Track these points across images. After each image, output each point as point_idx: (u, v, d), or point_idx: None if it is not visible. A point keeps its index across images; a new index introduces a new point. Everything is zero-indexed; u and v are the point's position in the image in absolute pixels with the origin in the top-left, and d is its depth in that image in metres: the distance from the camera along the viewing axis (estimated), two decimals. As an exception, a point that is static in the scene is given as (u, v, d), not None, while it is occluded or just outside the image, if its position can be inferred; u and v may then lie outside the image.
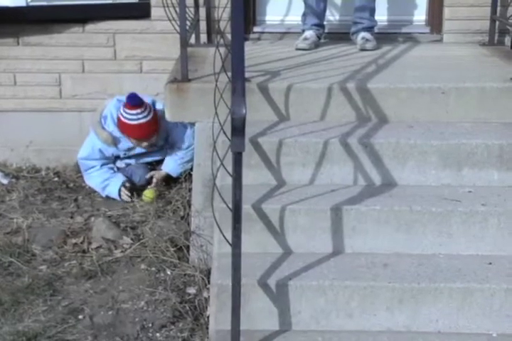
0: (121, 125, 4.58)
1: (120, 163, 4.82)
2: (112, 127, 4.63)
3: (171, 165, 4.72)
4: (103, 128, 4.64)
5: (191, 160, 4.41)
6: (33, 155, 5.14)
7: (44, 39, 4.99)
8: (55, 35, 4.97)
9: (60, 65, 5.00)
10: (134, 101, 4.50)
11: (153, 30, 4.95)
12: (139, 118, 4.51)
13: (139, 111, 4.51)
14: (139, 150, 4.73)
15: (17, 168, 5.11)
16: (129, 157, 4.82)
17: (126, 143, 4.67)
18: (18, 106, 5.11)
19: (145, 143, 4.63)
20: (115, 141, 4.65)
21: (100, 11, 4.93)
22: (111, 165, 4.76)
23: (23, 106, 5.11)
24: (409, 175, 3.55)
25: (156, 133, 4.62)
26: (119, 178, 4.66)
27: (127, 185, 4.65)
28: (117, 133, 4.64)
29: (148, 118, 4.54)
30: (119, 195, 4.62)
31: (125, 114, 4.52)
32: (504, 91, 3.79)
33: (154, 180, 4.72)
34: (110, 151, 4.70)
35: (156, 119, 4.58)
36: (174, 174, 4.70)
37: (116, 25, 4.97)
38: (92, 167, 4.69)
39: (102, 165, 4.71)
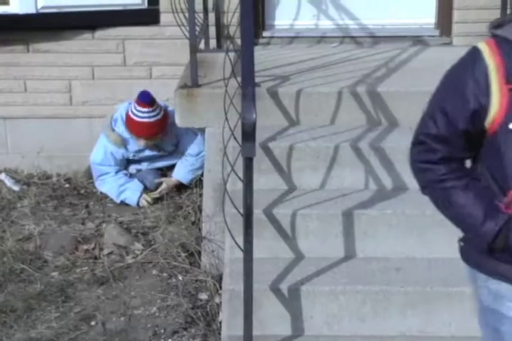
0: (127, 119, 4.60)
1: (131, 169, 4.83)
2: (121, 129, 4.65)
3: (182, 172, 4.72)
4: (113, 130, 4.66)
5: (202, 167, 4.41)
6: (44, 162, 5.15)
7: (54, 46, 5.00)
8: (64, 42, 4.98)
9: (70, 72, 5.01)
10: (145, 99, 4.52)
11: (162, 36, 4.95)
12: (145, 117, 4.52)
13: (149, 109, 4.52)
14: (148, 152, 4.74)
15: (28, 175, 5.12)
16: (140, 161, 4.82)
17: (134, 143, 4.68)
18: (29, 113, 5.12)
19: (143, 142, 4.61)
20: (124, 142, 4.67)
21: (110, 17, 4.93)
22: (125, 172, 4.76)
23: (33, 113, 5.11)
24: (421, 178, 3.53)
25: (158, 135, 4.62)
26: (138, 185, 4.66)
27: (145, 194, 4.65)
28: (127, 135, 4.65)
29: (156, 118, 4.55)
30: (138, 201, 4.63)
31: (134, 110, 4.54)
32: (515, 94, 3.77)
33: (163, 186, 4.71)
34: (120, 153, 4.70)
35: (165, 121, 4.58)
36: (185, 181, 4.70)
37: (125, 31, 4.97)
38: (107, 173, 4.70)
39: (117, 172, 4.71)
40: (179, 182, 4.73)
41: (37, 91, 5.08)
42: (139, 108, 4.53)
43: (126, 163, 4.82)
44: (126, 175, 4.75)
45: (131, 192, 4.64)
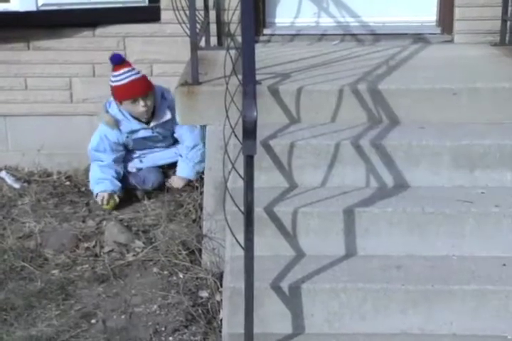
0: (115, 91, 4.60)
1: (131, 168, 4.81)
2: (115, 110, 4.66)
3: (185, 169, 4.73)
4: (107, 111, 4.68)
5: (203, 160, 4.43)
6: (45, 160, 5.15)
7: (54, 43, 5.00)
8: (65, 40, 4.98)
9: (70, 69, 5.01)
10: (118, 60, 4.56)
11: (163, 33, 4.95)
12: (128, 76, 4.54)
13: (126, 69, 4.55)
14: (142, 133, 4.71)
15: (29, 172, 5.12)
16: (138, 155, 4.81)
17: (128, 124, 4.66)
18: (29, 111, 5.12)
19: (142, 105, 4.57)
20: (117, 124, 4.66)
21: (110, 14, 4.93)
22: (118, 169, 4.73)
23: (34, 111, 5.12)
24: (422, 176, 3.54)
25: (151, 91, 4.61)
26: (114, 185, 4.62)
27: (108, 195, 4.60)
28: (120, 116, 4.65)
29: (139, 75, 4.59)
30: (97, 195, 4.62)
31: (114, 78, 4.56)
32: (516, 92, 3.77)
33: (175, 186, 4.72)
34: (115, 135, 4.67)
35: (147, 79, 4.64)
36: (190, 177, 4.69)
37: (126, 28, 4.97)
38: (101, 161, 4.68)
39: (111, 162, 4.68)
40: (187, 179, 4.72)
41: (37, 88, 5.08)
42: (117, 72, 4.55)
43: (124, 152, 4.78)
44: (117, 173, 4.72)
45: (104, 186, 4.62)
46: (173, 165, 4.83)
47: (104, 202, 4.56)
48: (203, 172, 4.28)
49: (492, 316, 3.09)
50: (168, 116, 4.67)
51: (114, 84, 4.58)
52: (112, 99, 4.69)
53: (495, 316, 3.09)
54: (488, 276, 3.14)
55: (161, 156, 4.88)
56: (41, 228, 4.33)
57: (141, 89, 4.59)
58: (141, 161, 4.84)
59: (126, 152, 4.83)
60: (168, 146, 4.88)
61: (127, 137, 4.72)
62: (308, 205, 3.33)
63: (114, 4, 4.94)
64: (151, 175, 4.76)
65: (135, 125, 4.69)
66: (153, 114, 4.69)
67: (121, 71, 4.55)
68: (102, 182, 4.63)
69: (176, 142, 4.87)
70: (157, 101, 4.67)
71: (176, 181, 4.76)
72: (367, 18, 5.06)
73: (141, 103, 4.58)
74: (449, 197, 3.41)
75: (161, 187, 4.72)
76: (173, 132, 4.79)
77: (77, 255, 4.09)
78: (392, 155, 3.52)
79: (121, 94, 4.60)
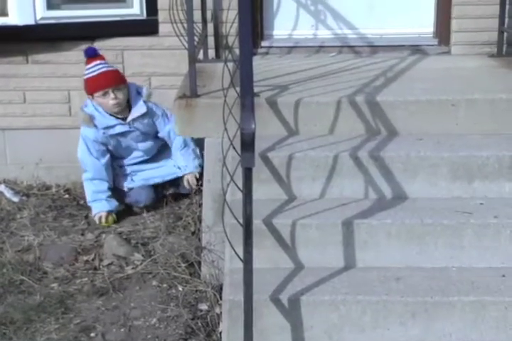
0: (86, 84, 4.61)
1: (124, 187, 4.76)
2: (91, 108, 4.64)
3: (189, 164, 4.71)
4: (82, 110, 4.66)
5: (197, 157, 4.64)
6: (43, 173, 5.15)
7: (53, 57, 5.01)
8: (63, 53, 5.00)
9: (69, 83, 5.02)
10: (92, 53, 4.58)
11: (161, 46, 4.97)
12: (99, 69, 4.56)
13: (97, 62, 4.57)
14: (119, 128, 4.67)
15: (27, 186, 5.12)
16: (129, 170, 4.80)
17: (102, 119, 4.62)
18: (28, 124, 5.12)
19: (112, 97, 4.54)
20: (92, 120, 4.62)
21: (108, 28, 4.95)
22: (109, 180, 4.69)
23: (32, 124, 5.12)
24: (420, 187, 3.54)
25: (123, 84, 4.61)
26: (108, 205, 4.62)
27: (106, 214, 4.60)
28: (95, 113, 4.62)
29: (110, 68, 4.61)
30: (96, 215, 4.61)
31: (86, 71, 4.58)
32: (514, 103, 3.78)
33: (193, 184, 4.69)
34: (92, 134, 4.63)
35: (119, 72, 4.66)
36: (199, 168, 4.65)
37: (124, 41, 4.99)
38: (90, 172, 4.65)
39: (100, 172, 4.65)
40: (195, 174, 4.70)
41: (36, 102, 5.09)
42: (89, 65, 4.57)
43: (108, 155, 4.72)
44: (109, 186, 4.68)
45: (101, 206, 4.62)
46: (166, 183, 4.82)
47: (103, 221, 4.57)
48: (201, 185, 4.28)
49: (491, 327, 3.09)
50: (143, 109, 4.66)
51: (85, 77, 4.59)
52: (88, 100, 4.68)
53: (494, 327, 3.09)
54: (488, 287, 3.14)
55: (151, 174, 4.82)
56: (40, 241, 4.32)
57: (111, 80, 4.58)
58: (132, 180, 4.80)
59: (117, 167, 4.80)
60: (152, 149, 4.84)
61: (104, 133, 4.65)
62: (307, 217, 3.33)
63: (112, 18, 4.96)
64: (142, 194, 4.72)
65: (111, 120, 4.64)
66: (130, 111, 4.68)
67: (93, 64, 4.56)
68: (99, 202, 4.62)
69: (164, 152, 4.86)
70: (132, 97, 4.67)
71: (190, 180, 4.70)
72: (364, 30, 5.08)
73: (111, 95, 4.55)
74: (448, 209, 3.41)
75: (154, 204, 4.71)
76: (157, 132, 4.77)
77: (76, 268, 4.09)
78: (391, 166, 3.52)
79: (91, 86, 4.59)
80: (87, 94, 4.64)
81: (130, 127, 4.69)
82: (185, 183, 4.73)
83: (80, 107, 4.72)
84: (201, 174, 4.58)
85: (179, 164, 4.76)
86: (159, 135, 4.81)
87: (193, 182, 4.70)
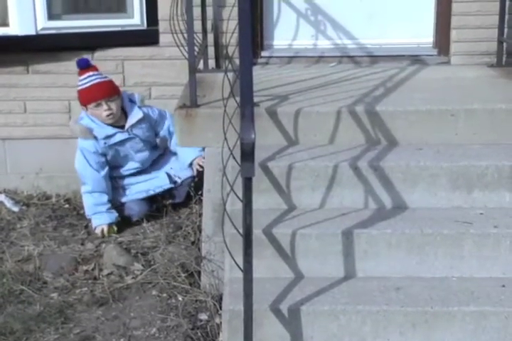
0: (79, 96, 4.60)
1: (118, 201, 4.75)
2: (86, 120, 4.62)
3: (191, 152, 4.65)
4: (79, 123, 4.63)
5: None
6: (44, 183, 5.16)
7: (53, 67, 5.02)
8: (64, 63, 5.00)
9: (69, 93, 5.01)
10: (84, 64, 4.57)
11: (161, 56, 4.98)
12: (92, 80, 4.54)
13: (91, 73, 4.56)
14: (119, 136, 4.66)
15: (28, 196, 5.12)
16: (121, 183, 4.80)
17: (101, 130, 4.61)
18: (28, 134, 5.13)
19: (105, 109, 4.53)
20: (90, 131, 4.60)
21: (109, 38, 4.97)
22: (108, 191, 4.68)
23: (33, 134, 5.13)
24: (420, 197, 3.54)
25: (116, 95, 4.59)
26: (109, 218, 4.61)
27: (107, 227, 4.59)
28: (92, 125, 4.61)
29: (104, 79, 4.58)
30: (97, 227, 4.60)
31: (80, 82, 4.57)
32: (513, 113, 3.79)
33: (199, 168, 4.62)
34: (92, 145, 4.61)
35: (113, 83, 4.62)
36: (202, 152, 4.45)
37: (125, 52, 5.00)
38: (89, 184, 4.64)
39: (100, 184, 4.65)
40: (201, 156, 4.59)
41: (36, 111, 5.10)
42: (83, 76, 4.56)
43: (107, 167, 4.71)
44: (108, 198, 4.66)
45: (102, 219, 4.61)
46: (161, 194, 4.80)
47: (105, 234, 4.56)
48: (201, 194, 4.28)
49: (492, 338, 3.08)
50: (139, 114, 4.66)
51: (78, 88, 4.59)
52: (83, 112, 4.68)
53: (495, 338, 3.08)
54: (488, 297, 3.14)
55: (144, 187, 4.79)
56: (40, 251, 4.32)
57: (103, 91, 4.56)
58: (125, 193, 4.79)
59: (110, 180, 4.77)
60: (147, 161, 4.82)
61: (105, 143, 4.64)
62: (307, 227, 3.33)
63: (112, 28, 4.97)
64: (134, 208, 4.72)
65: (109, 130, 4.63)
66: (126, 118, 4.68)
67: (86, 75, 4.56)
68: (99, 214, 4.61)
69: (156, 164, 4.86)
70: (126, 105, 4.67)
71: (200, 162, 4.60)
72: (364, 40, 5.10)
73: (104, 106, 4.54)
74: (448, 218, 3.41)
75: (154, 214, 4.71)
76: (155, 140, 4.78)
77: (76, 278, 4.08)
78: (391, 176, 3.52)
79: (84, 97, 4.59)
80: (81, 106, 4.65)
81: (130, 134, 4.69)
82: (197, 167, 4.66)
83: (74, 120, 4.70)
84: (201, 184, 4.58)
85: (182, 155, 4.74)
86: (160, 134, 4.81)
87: (202, 163, 4.53)
